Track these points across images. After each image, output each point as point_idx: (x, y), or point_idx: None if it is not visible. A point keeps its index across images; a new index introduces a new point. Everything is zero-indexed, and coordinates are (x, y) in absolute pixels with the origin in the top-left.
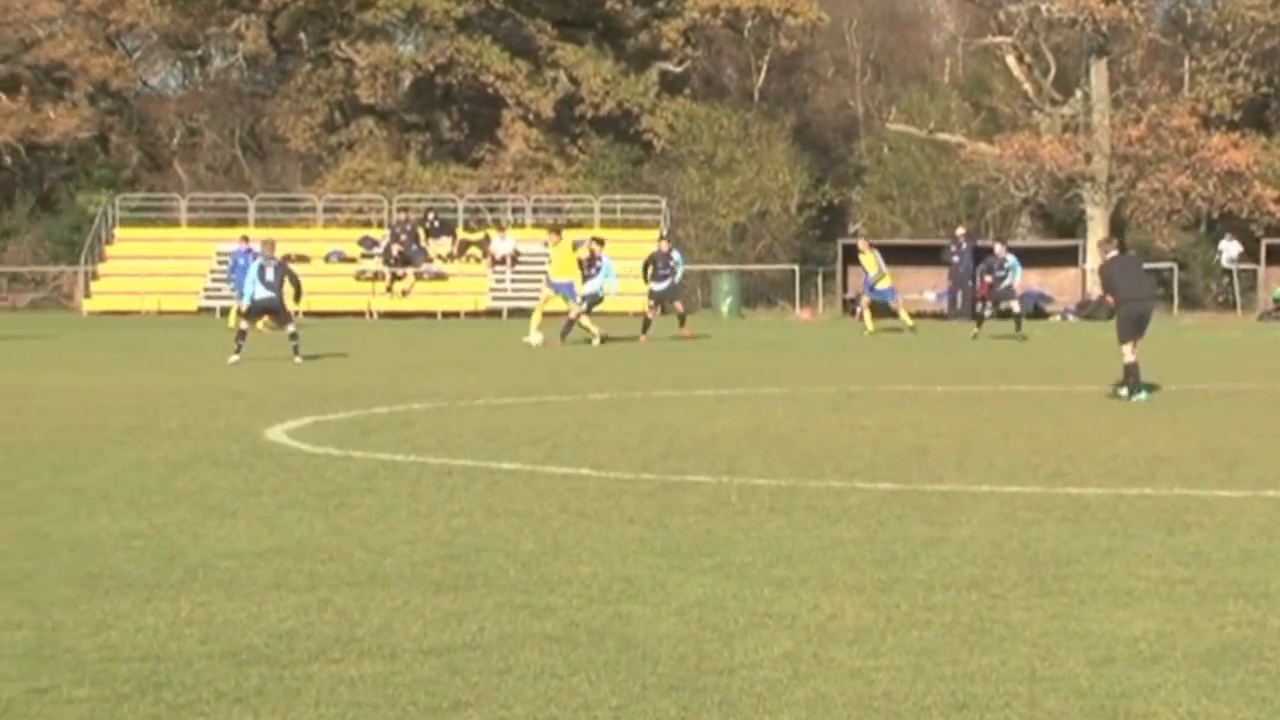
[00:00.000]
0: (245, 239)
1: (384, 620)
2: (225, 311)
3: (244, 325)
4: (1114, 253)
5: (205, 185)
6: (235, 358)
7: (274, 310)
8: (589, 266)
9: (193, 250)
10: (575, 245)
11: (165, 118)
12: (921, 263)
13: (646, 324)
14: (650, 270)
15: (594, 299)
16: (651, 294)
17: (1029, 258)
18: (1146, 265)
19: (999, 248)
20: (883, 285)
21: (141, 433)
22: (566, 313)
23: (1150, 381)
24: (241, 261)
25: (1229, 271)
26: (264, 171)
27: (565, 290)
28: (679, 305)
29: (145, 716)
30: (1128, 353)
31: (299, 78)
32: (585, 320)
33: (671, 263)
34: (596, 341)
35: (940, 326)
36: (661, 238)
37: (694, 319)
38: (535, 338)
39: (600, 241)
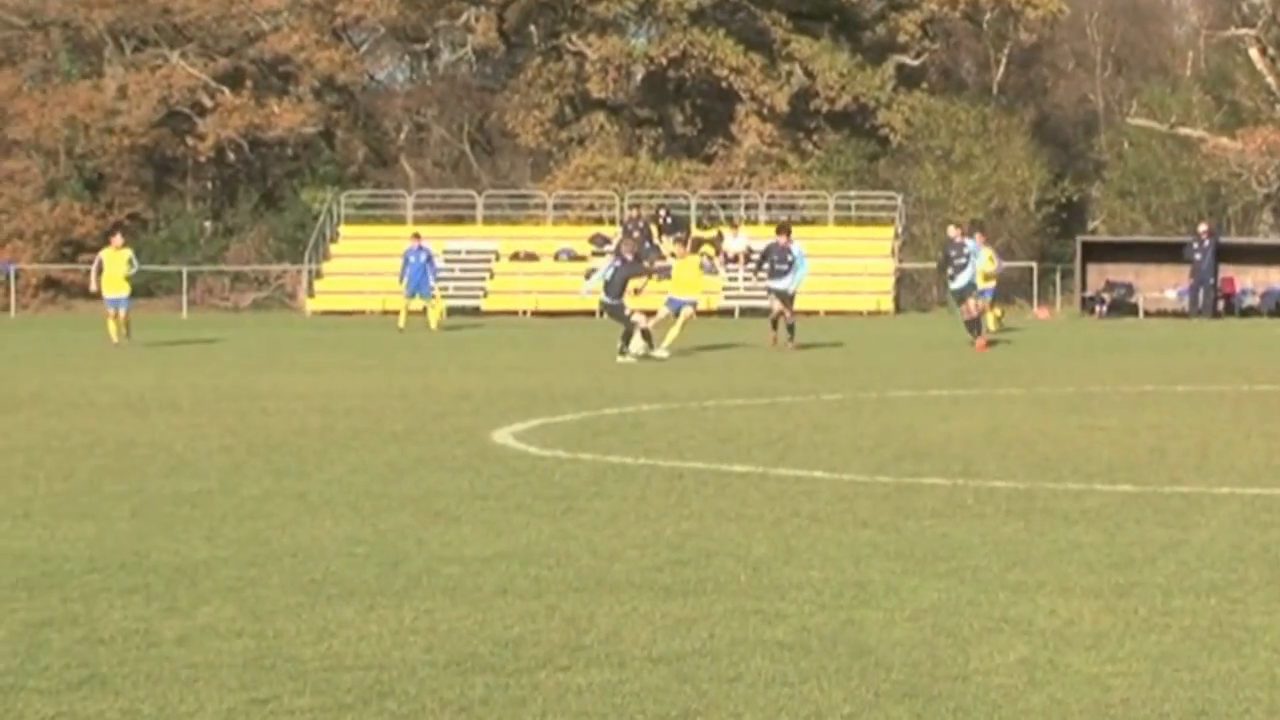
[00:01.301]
0: (417, 236)
1: (612, 627)
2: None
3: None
4: None
5: (432, 182)
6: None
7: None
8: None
9: None
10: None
11: (392, 113)
12: (1162, 260)
13: (776, 324)
14: (767, 265)
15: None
16: (772, 292)
17: (1271, 255)
18: None
19: (952, 230)
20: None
21: (365, 436)
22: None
23: None
24: (412, 259)
25: None
26: (492, 167)
27: (678, 305)
28: (787, 313)
29: None
30: None
31: (529, 71)
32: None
33: (790, 257)
34: (662, 351)
35: (1182, 324)
36: (780, 230)
37: (930, 319)
38: (661, 351)
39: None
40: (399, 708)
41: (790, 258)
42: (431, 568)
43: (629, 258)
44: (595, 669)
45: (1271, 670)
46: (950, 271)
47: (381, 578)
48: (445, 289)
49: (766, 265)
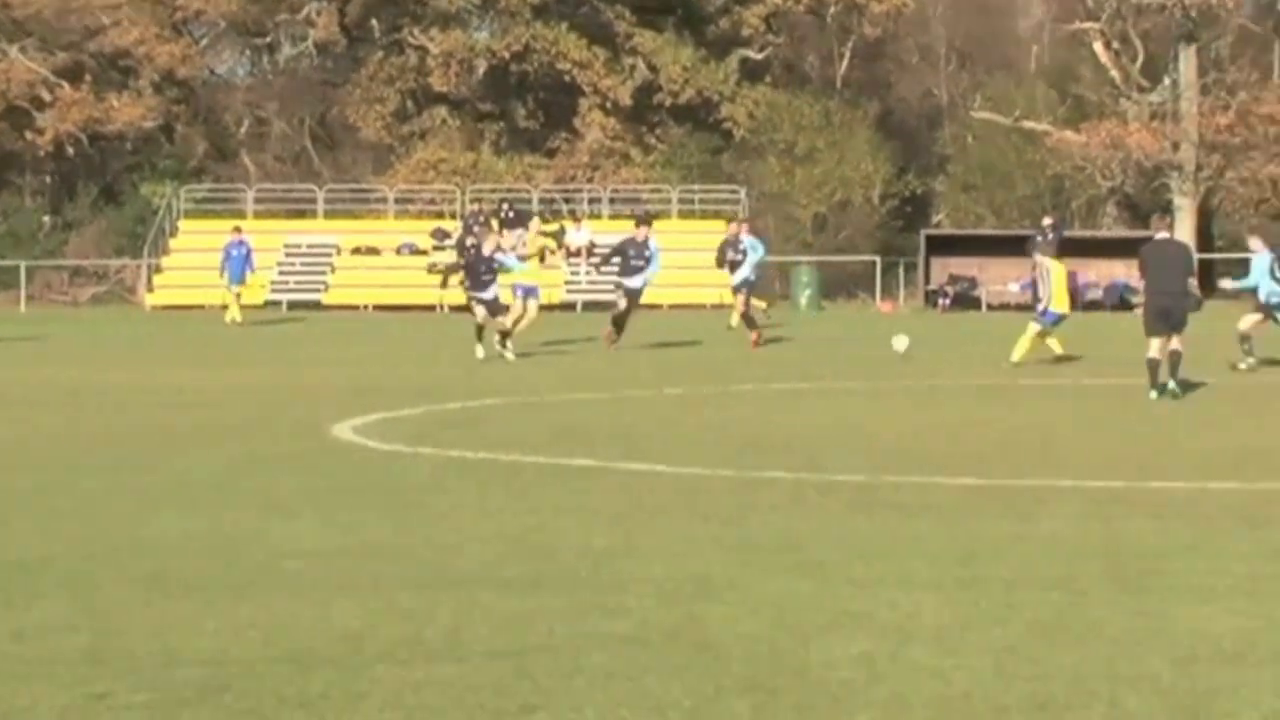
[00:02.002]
0: (238, 229)
1: (452, 622)
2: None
3: None
4: (1161, 234)
5: (273, 176)
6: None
7: None
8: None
9: (259, 243)
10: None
11: (232, 107)
12: (1006, 254)
13: (620, 323)
14: (620, 259)
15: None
16: (620, 289)
17: (1114, 248)
18: (1235, 256)
19: (733, 227)
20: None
21: (205, 430)
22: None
23: (1187, 380)
24: (234, 253)
25: None
26: (334, 162)
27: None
28: (740, 306)
29: None
30: (1151, 348)
31: (370, 66)
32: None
33: (648, 252)
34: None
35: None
36: (640, 222)
37: (773, 313)
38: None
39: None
40: (237, 703)
41: (648, 253)
42: (271, 563)
43: (487, 250)
44: (435, 663)
45: (1112, 663)
46: (728, 268)
47: (220, 573)
48: (286, 283)
49: (619, 260)
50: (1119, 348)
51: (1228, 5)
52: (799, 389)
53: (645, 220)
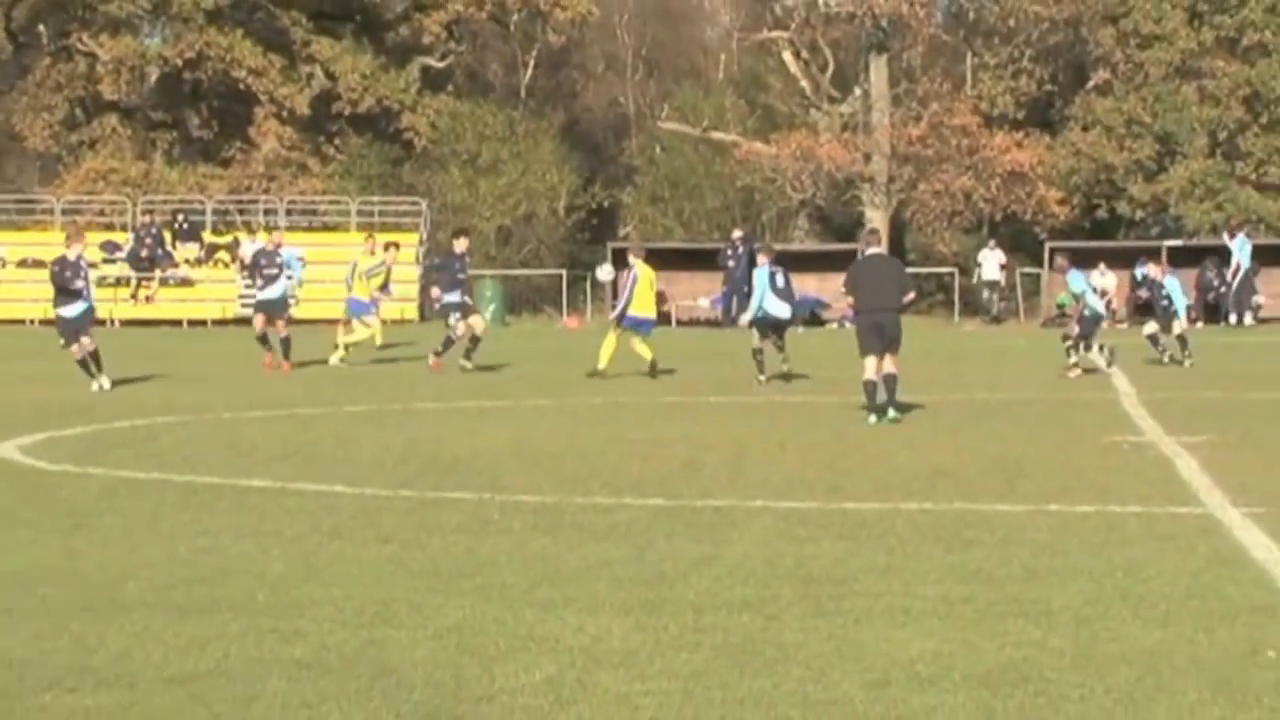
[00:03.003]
0: None
1: (123, 647)
2: None
3: None
4: (873, 249)
5: None
6: None
7: None
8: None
9: None
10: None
11: None
12: (695, 267)
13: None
14: (252, 272)
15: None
16: (260, 304)
17: (806, 262)
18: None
19: (266, 238)
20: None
21: None
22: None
23: (910, 403)
24: None
25: (994, 283)
26: None
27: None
28: (281, 324)
29: None
30: (867, 369)
31: (38, 72)
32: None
33: (279, 259)
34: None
35: (715, 333)
36: (270, 229)
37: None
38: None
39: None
40: None
41: (279, 260)
42: None
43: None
44: (105, 690)
45: (804, 688)
46: (260, 283)
47: None
48: None
49: (251, 272)
50: (811, 364)
51: (919, 15)
52: (483, 406)
53: (274, 227)
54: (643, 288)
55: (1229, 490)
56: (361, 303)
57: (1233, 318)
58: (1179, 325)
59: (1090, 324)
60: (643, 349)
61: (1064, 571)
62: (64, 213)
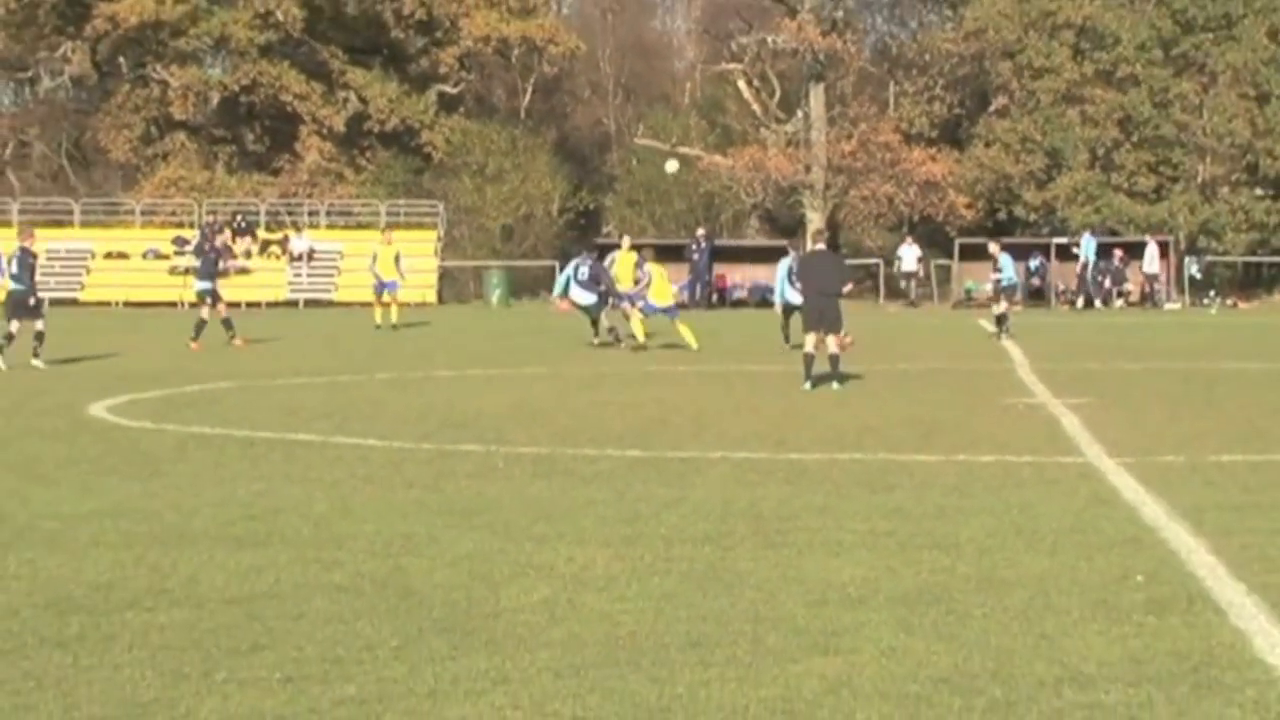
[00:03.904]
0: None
1: (191, 573)
2: None
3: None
4: (818, 246)
5: (35, 191)
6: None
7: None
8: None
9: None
10: None
11: None
12: (665, 260)
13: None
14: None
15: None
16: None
17: (756, 255)
18: (856, 260)
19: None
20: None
21: None
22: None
23: (845, 372)
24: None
25: (912, 273)
26: (88, 179)
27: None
28: (221, 308)
29: None
30: (807, 343)
31: (119, 96)
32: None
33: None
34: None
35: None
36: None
37: (468, 310)
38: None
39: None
40: (2, 644)
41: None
42: (32, 523)
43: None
44: (177, 609)
45: (756, 607)
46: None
47: None
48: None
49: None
50: (761, 342)
51: (850, 50)
52: (490, 375)
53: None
54: (658, 282)
55: (1105, 444)
56: (391, 283)
57: (1098, 302)
58: (1003, 304)
59: (1009, 290)
60: (639, 328)
61: (969, 510)
62: (142, 214)
